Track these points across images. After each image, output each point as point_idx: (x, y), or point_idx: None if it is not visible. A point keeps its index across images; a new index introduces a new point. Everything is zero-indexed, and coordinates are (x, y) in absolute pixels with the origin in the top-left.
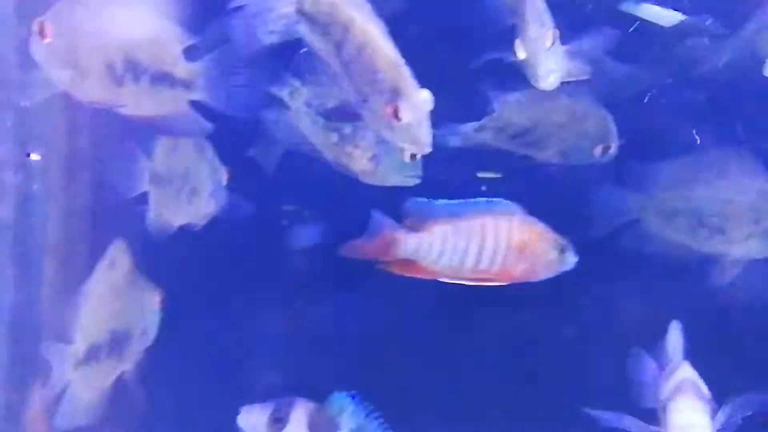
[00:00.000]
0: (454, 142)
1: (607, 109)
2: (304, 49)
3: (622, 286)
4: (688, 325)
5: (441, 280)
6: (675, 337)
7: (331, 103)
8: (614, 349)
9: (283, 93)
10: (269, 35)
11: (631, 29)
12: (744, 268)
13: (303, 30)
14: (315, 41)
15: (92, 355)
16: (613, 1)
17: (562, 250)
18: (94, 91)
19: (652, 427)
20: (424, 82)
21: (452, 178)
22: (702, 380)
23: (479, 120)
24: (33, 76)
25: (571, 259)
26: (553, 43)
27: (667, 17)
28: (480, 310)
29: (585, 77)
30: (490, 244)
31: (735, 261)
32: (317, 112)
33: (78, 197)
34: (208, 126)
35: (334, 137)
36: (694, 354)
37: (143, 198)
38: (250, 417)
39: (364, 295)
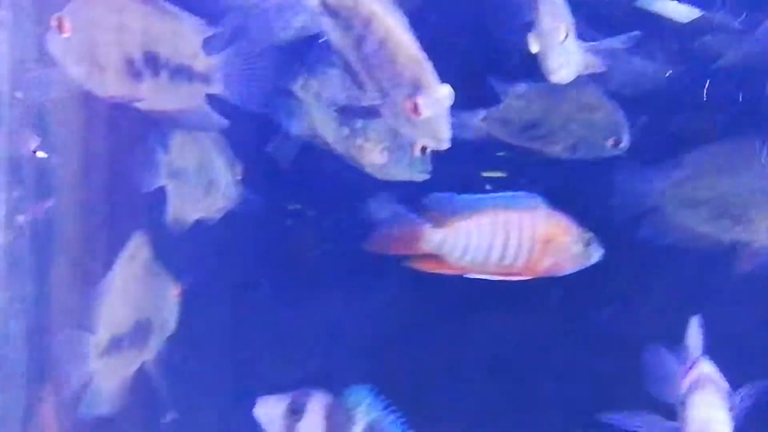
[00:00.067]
0: (460, 133)
1: (625, 101)
2: (323, 39)
3: (644, 278)
4: (711, 315)
5: (466, 275)
6: (694, 333)
7: (342, 96)
8: (638, 341)
9: (294, 86)
10: (286, 31)
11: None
12: None
13: (326, 24)
14: (335, 36)
15: (115, 345)
16: None
17: (587, 244)
18: (111, 85)
19: (669, 423)
20: (442, 76)
21: (456, 177)
22: (721, 375)
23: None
24: (51, 72)
25: (597, 253)
26: (566, 37)
27: (684, 13)
28: (496, 304)
29: (602, 70)
30: (515, 239)
31: (759, 249)
32: (328, 104)
33: (95, 191)
34: (223, 121)
35: (346, 130)
36: (717, 344)
37: (157, 192)
38: (267, 408)
39: (377, 290)
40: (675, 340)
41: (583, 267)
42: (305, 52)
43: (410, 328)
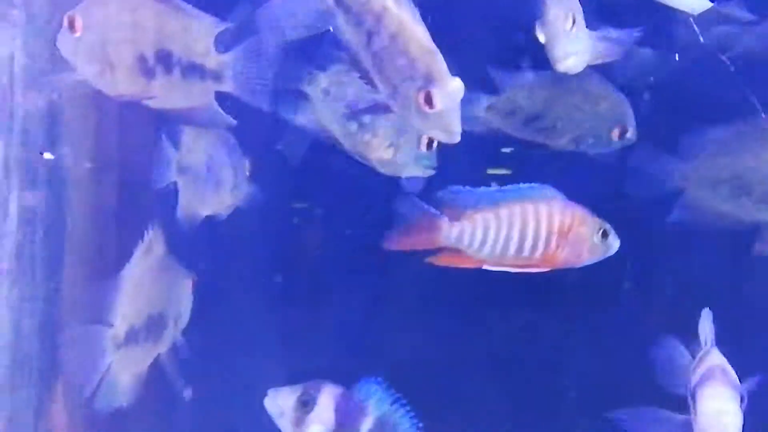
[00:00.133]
0: (464, 126)
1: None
2: (329, 29)
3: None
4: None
5: (485, 268)
6: (706, 324)
7: (350, 92)
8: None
9: (302, 82)
10: (296, 29)
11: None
12: None
13: (339, 20)
14: (346, 31)
15: (131, 337)
16: None
17: (604, 234)
18: (123, 84)
19: (679, 416)
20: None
21: (461, 175)
22: (731, 367)
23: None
24: (63, 71)
25: (615, 243)
26: (573, 26)
27: (696, 5)
28: (505, 299)
29: (615, 58)
30: (532, 231)
31: None
32: (336, 100)
33: (106, 188)
34: (231, 120)
35: (353, 126)
36: (736, 326)
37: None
38: (278, 400)
39: (385, 286)
40: (689, 331)
41: (601, 258)
42: (314, 49)
43: (418, 323)
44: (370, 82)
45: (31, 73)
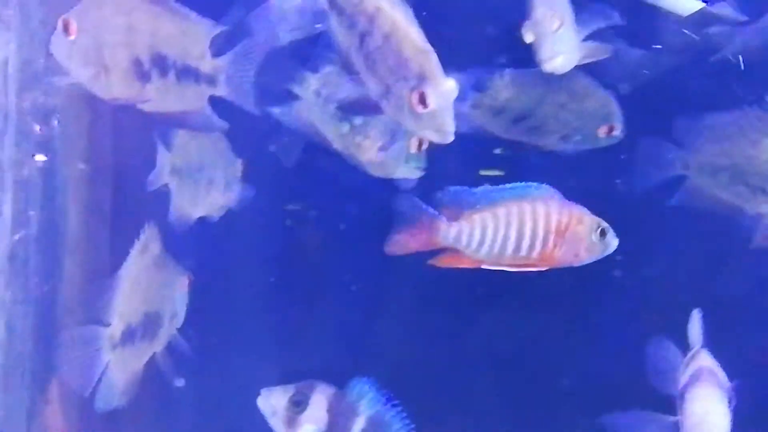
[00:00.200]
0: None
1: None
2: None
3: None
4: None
5: (483, 267)
6: (695, 325)
7: (341, 93)
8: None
9: (294, 84)
10: (290, 32)
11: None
12: None
13: (332, 22)
14: (339, 33)
15: (128, 337)
16: None
17: (602, 233)
18: (117, 87)
19: (670, 417)
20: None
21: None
22: (720, 368)
23: None
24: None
25: (614, 242)
26: (560, 26)
27: (687, 6)
28: (497, 299)
29: (605, 56)
30: (529, 230)
31: None
32: (328, 102)
33: (100, 189)
34: (223, 123)
35: (345, 127)
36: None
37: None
38: (270, 399)
39: (378, 287)
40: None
41: (599, 257)
42: (306, 51)
43: (412, 323)
44: (361, 84)
45: (26, 75)
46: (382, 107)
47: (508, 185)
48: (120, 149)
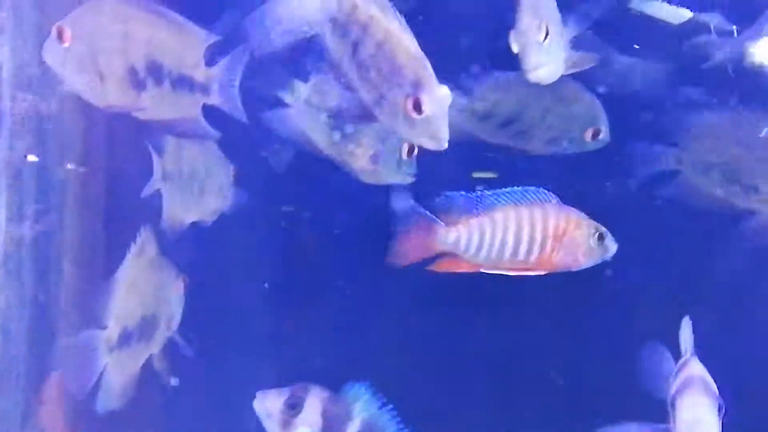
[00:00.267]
0: None
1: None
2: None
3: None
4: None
5: (482, 271)
6: (686, 333)
7: (332, 102)
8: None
9: (284, 93)
10: (283, 37)
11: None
12: None
13: (324, 31)
14: (331, 42)
15: (125, 340)
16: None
17: (600, 237)
18: (112, 95)
19: (660, 426)
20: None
21: (447, 178)
22: (710, 376)
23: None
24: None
25: (612, 247)
26: (545, 37)
27: (676, 15)
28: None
29: (592, 65)
30: (526, 234)
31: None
32: (319, 111)
33: (95, 192)
34: (215, 133)
35: (337, 136)
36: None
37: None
38: (266, 402)
39: (372, 289)
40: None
41: (598, 261)
42: (297, 59)
43: (405, 327)
44: (353, 92)
45: (20, 78)
46: (376, 115)
47: (506, 189)
48: (116, 152)
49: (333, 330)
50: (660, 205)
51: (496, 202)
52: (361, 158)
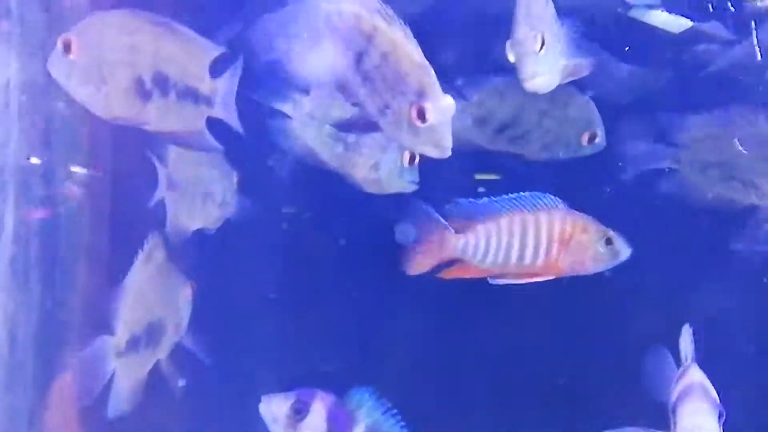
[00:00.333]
0: None
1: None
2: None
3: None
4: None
5: (493, 282)
6: (686, 340)
7: (335, 115)
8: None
9: (286, 106)
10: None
11: None
12: None
13: (325, 41)
14: (334, 53)
15: (132, 345)
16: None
17: (608, 242)
18: (117, 106)
19: None
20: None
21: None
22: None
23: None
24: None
25: (623, 251)
26: (542, 47)
27: (676, 24)
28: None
29: (586, 73)
30: (531, 239)
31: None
32: (322, 123)
33: (101, 199)
34: (218, 146)
35: (339, 147)
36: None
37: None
38: (271, 406)
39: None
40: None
41: (609, 265)
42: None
43: (410, 333)
44: (356, 103)
45: (27, 87)
46: (380, 124)
47: (512, 195)
48: (123, 158)
49: (339, 336)
50: (660, 206)
51: (502, 208)
52: (362, 168)
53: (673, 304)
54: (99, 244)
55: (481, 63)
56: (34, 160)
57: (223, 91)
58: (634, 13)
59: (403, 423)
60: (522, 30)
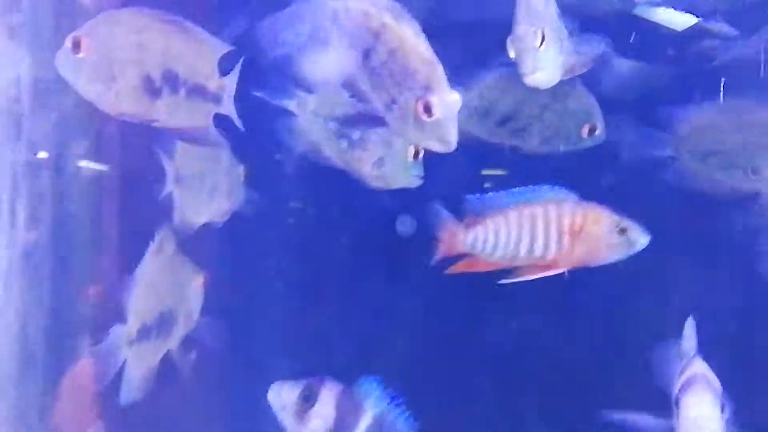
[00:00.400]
0: None
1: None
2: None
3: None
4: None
5: (502, 282)
6: (689, 333)
7: (339, 112)
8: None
9: (291, 104)
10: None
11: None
12: None
13: (332, 38)
14: (340, 50)
15: (144, 334)
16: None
17: (622, 232)
18: (127, 104)
19: (664, 421)
20: None
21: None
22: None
23: None
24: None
25: (640, 240)
26: (542, 43)
27: (680, 21)
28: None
29: (589, 68)
30: (541, 232)
31: None
32: (326, 120)
33: (111, 193)
34: (225, 142)
35: (344, 143)
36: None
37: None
38: (281, 394)
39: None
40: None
41: (625, 255)
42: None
43: (417, 324)
44: (362, 99)
45: (40, 83)
46: (386, 119)
47: (521, 188)
48: (131, 153)
49: (347, 327)
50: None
51: (511, 201)
52: (367, 163)
53: (676, 295)
54: (109, 238)
55: (484, 58)
56: (42, 155)
57: (231, 88)
58: (639, 11)
59: (410, 413)
60: (522, 26)
